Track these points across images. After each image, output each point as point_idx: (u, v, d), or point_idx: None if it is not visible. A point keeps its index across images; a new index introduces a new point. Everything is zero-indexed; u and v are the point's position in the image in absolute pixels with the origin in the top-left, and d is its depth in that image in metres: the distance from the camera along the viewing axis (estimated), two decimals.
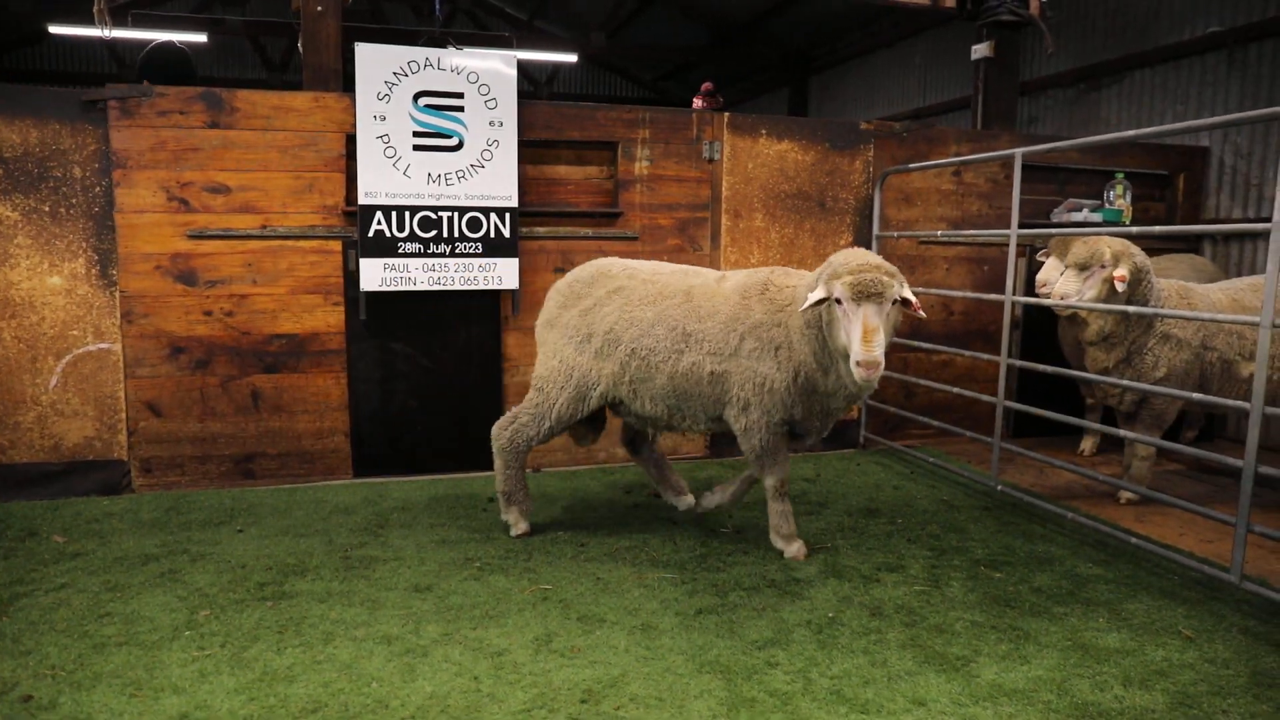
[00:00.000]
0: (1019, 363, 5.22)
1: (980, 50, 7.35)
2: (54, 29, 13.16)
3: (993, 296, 5.33)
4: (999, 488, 5.20)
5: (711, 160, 6.06)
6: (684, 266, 4.54)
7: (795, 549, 4.24)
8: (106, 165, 5.12)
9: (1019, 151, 4.95)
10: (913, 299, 3.72)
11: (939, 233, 6.06)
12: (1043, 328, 6.04)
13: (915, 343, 6.12)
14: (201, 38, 13.72)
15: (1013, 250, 5.02)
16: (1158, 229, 4.33)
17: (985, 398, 5.44)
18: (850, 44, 13.56)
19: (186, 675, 3.08)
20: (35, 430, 5.13)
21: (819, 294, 3.67)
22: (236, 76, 16.69)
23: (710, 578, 3.99)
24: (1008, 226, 5.18)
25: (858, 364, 3.54)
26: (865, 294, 3.56)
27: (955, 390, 5.79)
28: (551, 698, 2.96)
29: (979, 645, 3.36)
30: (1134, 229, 4.43)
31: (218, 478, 5.39)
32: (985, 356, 5.50)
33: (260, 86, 12.30)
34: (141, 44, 15.91)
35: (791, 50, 14.83)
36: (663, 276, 4.37)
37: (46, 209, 5.07)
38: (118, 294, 5.18)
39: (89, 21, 7.84)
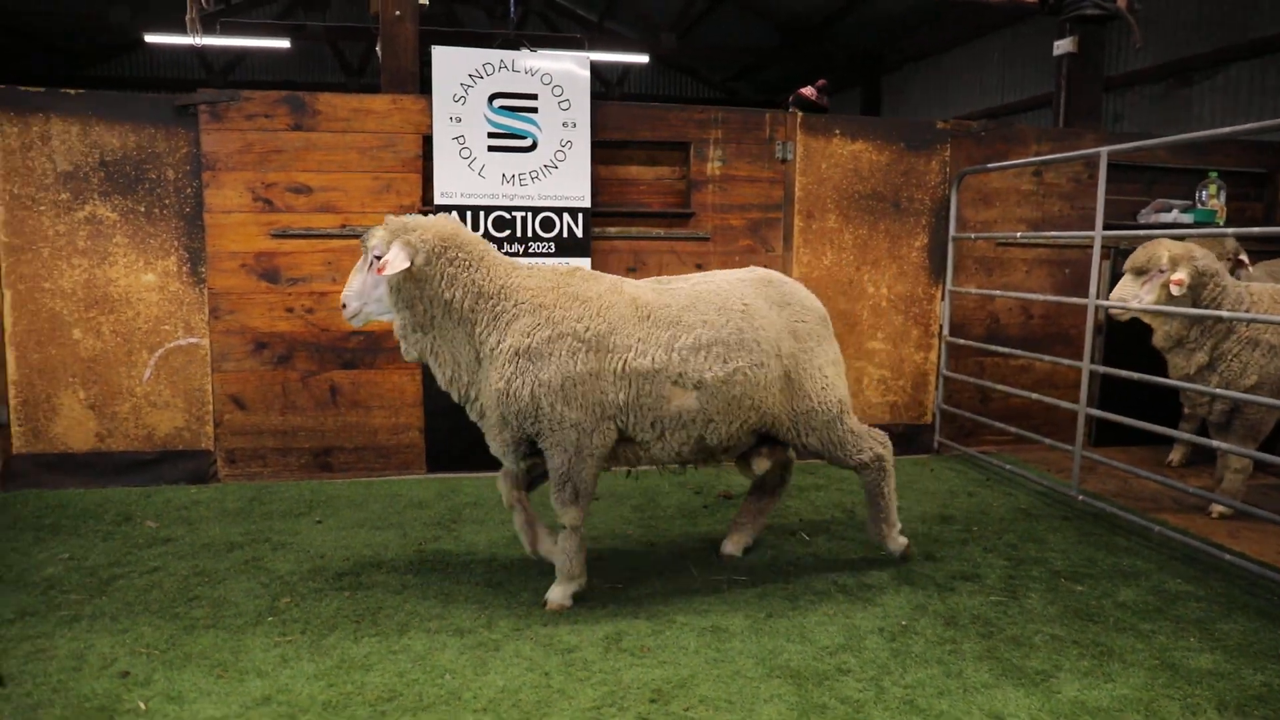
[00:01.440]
0: (1102, 368, 5.06)
1: (1063, 46, 7.15)
2: (149, 38, 13.71)
3: (1075, 300, 5.18)
4: (1080, 497, 5.05)
5: (784, 160, 6.01)
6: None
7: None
8: (197, 167, 5.31)
9: (1104, 150, 4.80)
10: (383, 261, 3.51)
11: (1018, 234, 5.91)
12: (1128, 332, 5.85)
13: (992, 346, 5.98)
14: (285, 43, 14.16)
15: (1097, 252, 4.87)
16: (1256, 230, 4.16)
17: (1066, 404, 5.29)
18: (922, 42, 13.33)
19: (269, 659, 3.18)
20: (130, 420, 5.35)
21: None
22: (317, 81, 17.17)
23: (781, 581, 3.96)
24: (1091, 228, 5.03)
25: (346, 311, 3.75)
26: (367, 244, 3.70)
27: (1034, 396, 5.65)
28: (621, 696, 2.97)
29: (1060, 660, 3.27)
30: (1229, 230, 4.25)
31: (297, 470, 5.55)
32: (1066, 362, 5.35)
33: (339, 90, 12.64)
34: (230, 50, 16.48)
35: (862, 50, 14.65)
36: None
37: (142, 209, 5.29)
38: (206, 291, 5.37)
39: (181, 30, 8.14)
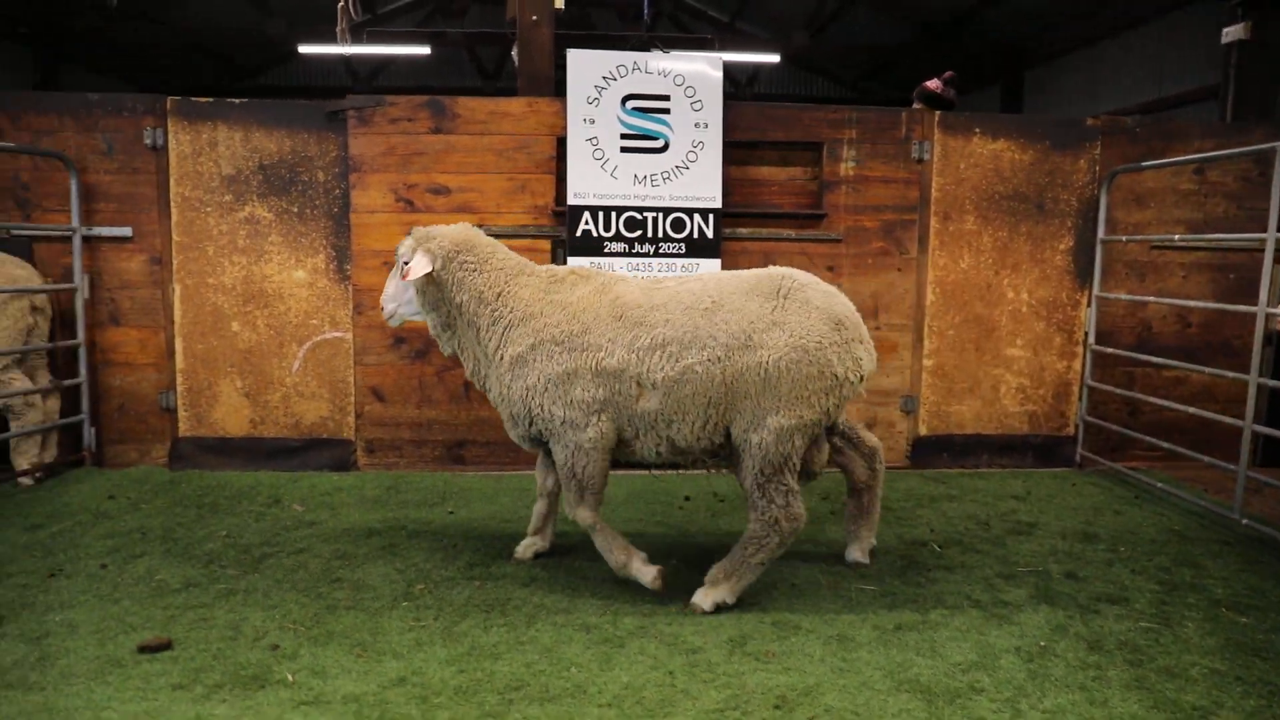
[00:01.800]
0: (1272, 382, 4.69)
1: (1233, 33, 6.66)
2: (302, 48, 14.52)
3: (1242, 308, 4.81)
4: (1243, 520, 4.70)
5: (921, 161, 5.84)
6: None
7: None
8: (344, 170, 5.58)
9: None
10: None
11: (1175, 236, 5.56)
12: None
13: (1143, 356, 5.63)
14: (425, 50, 14.71)
15: (1269, 256, 4.50)
16: None
17: (1228, 420, 4.93)
18: (1070, 34, 12.68)
19: (404, 642, 3.30)
20: (280, 409, 5.68)
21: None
22: (454, 85, 17.78)
23: (911, 593, 3.84)
24: (1263, 229, 4.66)
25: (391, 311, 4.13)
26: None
27: (1190, 410, 5.28)
28: (745, 700, 2.95)
29: (1220, 697, 3.05)
30: None
31: (431, 461, 5.76)
32: (1231, 375, 4.99)
33: (474, 94, 13.01)
34: (373, 58, 17.24)
35: (1003, 44, 14.06)
36: None
37: (295, 210, 5.60)
38: (350, 287, 5.64)
39: (332, 40, 8.57)
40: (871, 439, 4.10)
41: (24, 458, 5.23)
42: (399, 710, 2.83)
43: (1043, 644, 3.38)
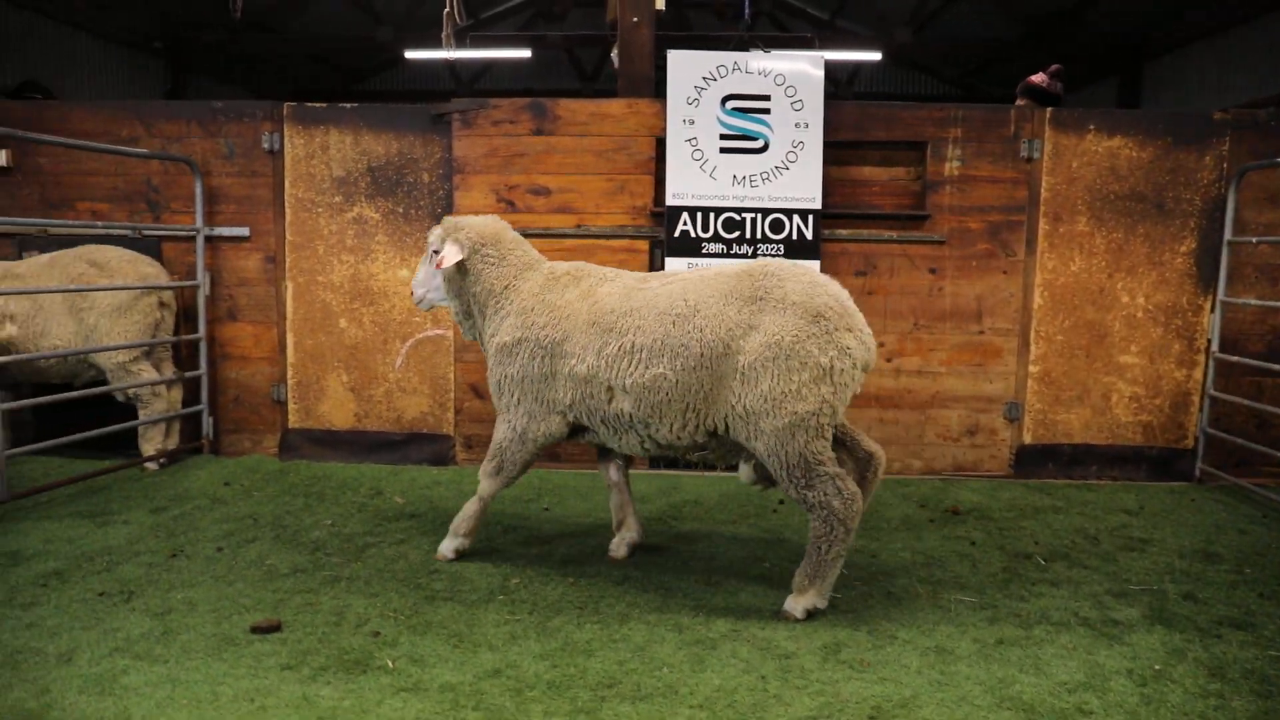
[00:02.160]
0: None
1: None
2: (409, 54, 14.97)
3: None
4: None
5: (1030, 160, 5.64)
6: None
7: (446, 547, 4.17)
8: (448, 171, 5.72)
9: None
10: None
11: None
12: None
13: (1274, 365, 5.30)
14: (526, 53, 15.00)
15: None
16: None
17: None
18: (1195, 22, 12.02)
19: (499, 635, 3.37)
20: (384, 403, 5.87)
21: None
22: (553, 87, 18.03)
23: (1013, 606, 3.72)
24: None
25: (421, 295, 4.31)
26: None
27: None
28: (839, 709, 2.90)
29: None
30: None
31: None
32: None
33: (573, 95, 13.18)
34: (476, 61, 17.63)
35: (1120, 35, 13.43)
36: None
37: (400, 211, 5.77)
38: None
39: (437, 45, 8.80)
40: (870, 445, 3.83)
41: (150, 444, 5.54)
42: (494, 701, 2.89)
43: (1158, 668, 3.22)
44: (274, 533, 4.43)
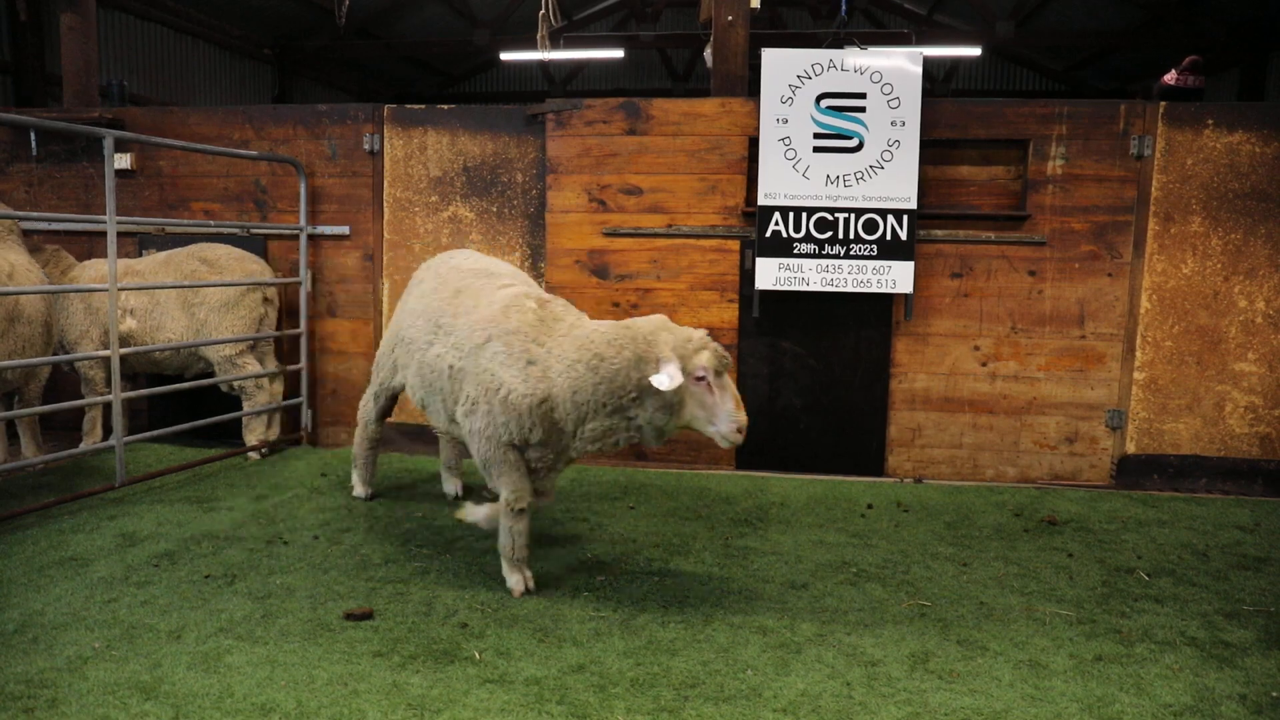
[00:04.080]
0: None
1: None
2: (504, 56, 15.26)
3: None
4: None
5: (1140, 157, 5.39)
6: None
7: (514, 581, 3.79)
8: (542, 171, 5.80)
9: None
10: None
11: None
12: None
13: None
14: (619, 54, 15.10)
15: None
16: None
17: None
18: None
19: (584, 631, 3.40)
20: None
21: (676, 377, 3.37)
22: (645, 87, 18.11)
23: (1113, 622, 3.56)
24: None
25: (739, 430, 3.45)
26: (725, 366, 3.49)
27: None
28: (927, 719, 2.83)
29: None
30: None
31: (613, 456, 5.87)
32: None
33: (664, 95, 13.19)
34: (569, 63, 17.83)
35: (1244, 22, 12.71)
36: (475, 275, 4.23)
37: (494, 210, 5.88)
38: (544, 284, 5.86)
39: (531, 47, 8.93)
40: None
41: (253, 435, 5.78)
42: (578, 697, 2.92)
43: (1275, 695, 3.04)
44: (367, 523, 4.57)
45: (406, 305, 4.45)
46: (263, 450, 5.77)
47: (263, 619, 3.41)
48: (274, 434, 5.92)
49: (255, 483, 5.22)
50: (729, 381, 3.51)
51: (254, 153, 5.83)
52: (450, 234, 5.92)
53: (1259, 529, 4.79)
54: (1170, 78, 5.80)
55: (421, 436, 6.02)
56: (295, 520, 4.58)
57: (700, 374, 3.45)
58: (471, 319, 3.88)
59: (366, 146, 5.95)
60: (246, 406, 5.74)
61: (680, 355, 3.44)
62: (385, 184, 5.97)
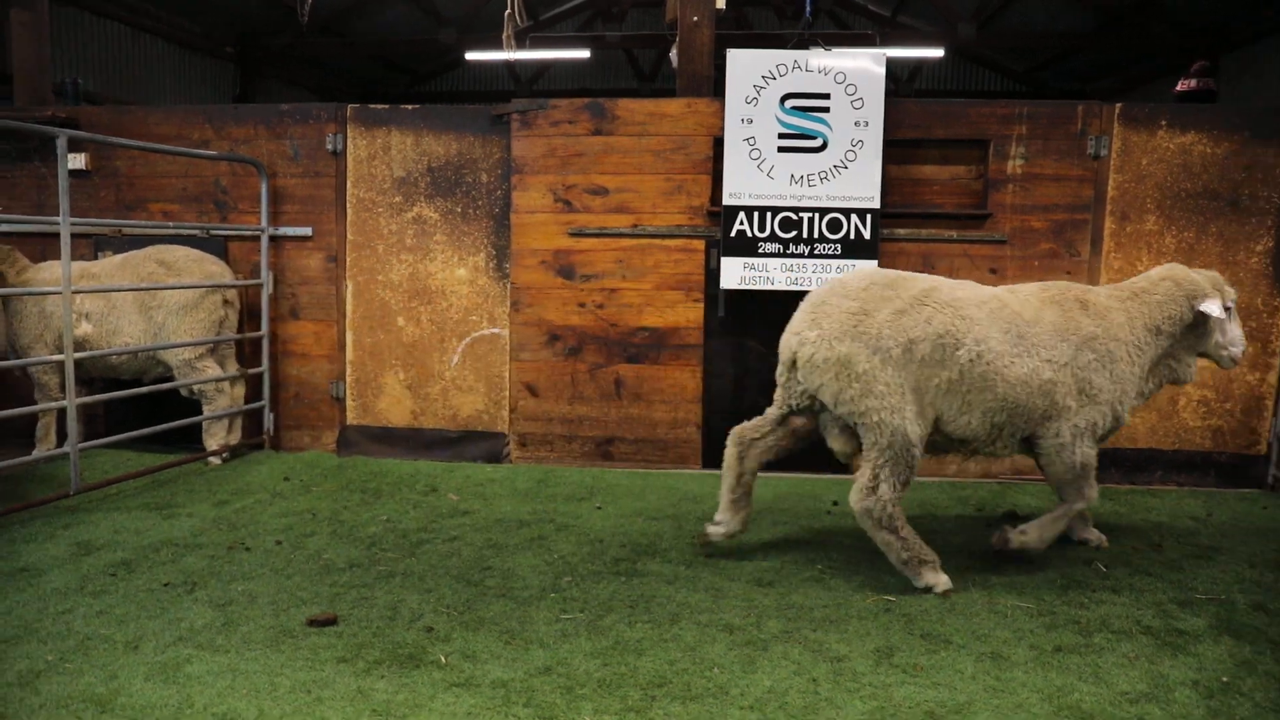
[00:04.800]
0: None
1: None
2: (470, 55, 15.17)
3: None
4: None
5: (1097, 157, 5.49)
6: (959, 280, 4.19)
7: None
8: (507, 171, 5.78)
9: None
10: None
11: None
12: None
13: None
14: (585, 54, 15.08)
15: None
16: None
17: None
18: (1276, 12, 11.58)
19: (551, 633, 3.39)
20: (440, 401, 5.96)
21: (1219, 308, 4.11)
22: (611, 87, 18.10)
23: (1072, 613, 3.62)
24: None
25: (1243, 354, 4.32)
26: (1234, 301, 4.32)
27: None
28: (892, 713, 2.86)
29: None
30: None
31: (581, 456, 5.89)
32: None
33: (631, 95, 13.18)
34: (535, 62, 17.78)
35: (1197, 27, 12.98)
36: (959, 282, 4.08)
37: (459, 210, 5.85)
38: (508, 285, 5.84)
39: (497, 47, 8.89)
40: None
41: (213, 439, 5.70)
42: (545, 698, 2.91)
43: (1225, 680, 3.11)
44: (331, 528, 4.53)
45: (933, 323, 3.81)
46: (224, 455, 5.69)
47: (224, 627, 3.37)
48: (235, 438, 5.84)
49: (216, 488, 5.15)
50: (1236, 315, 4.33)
51: (214, 153, 5.76)
52: (414, 235, 5.89)
53: (1210, 519, 4.90)
54: (1182, 86, 5.96)
55: (386, 439, 5.98)
56: (257, 525, 4.52)
57: (1228, 305, 4.23)
58: (1043, 328, 3.98)
59: (329, 146, 5.89)
60: (207, 411, 5.66)
61: (1217, 289, 4.21)
62: (348, 184, 5.92)
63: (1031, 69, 17.01)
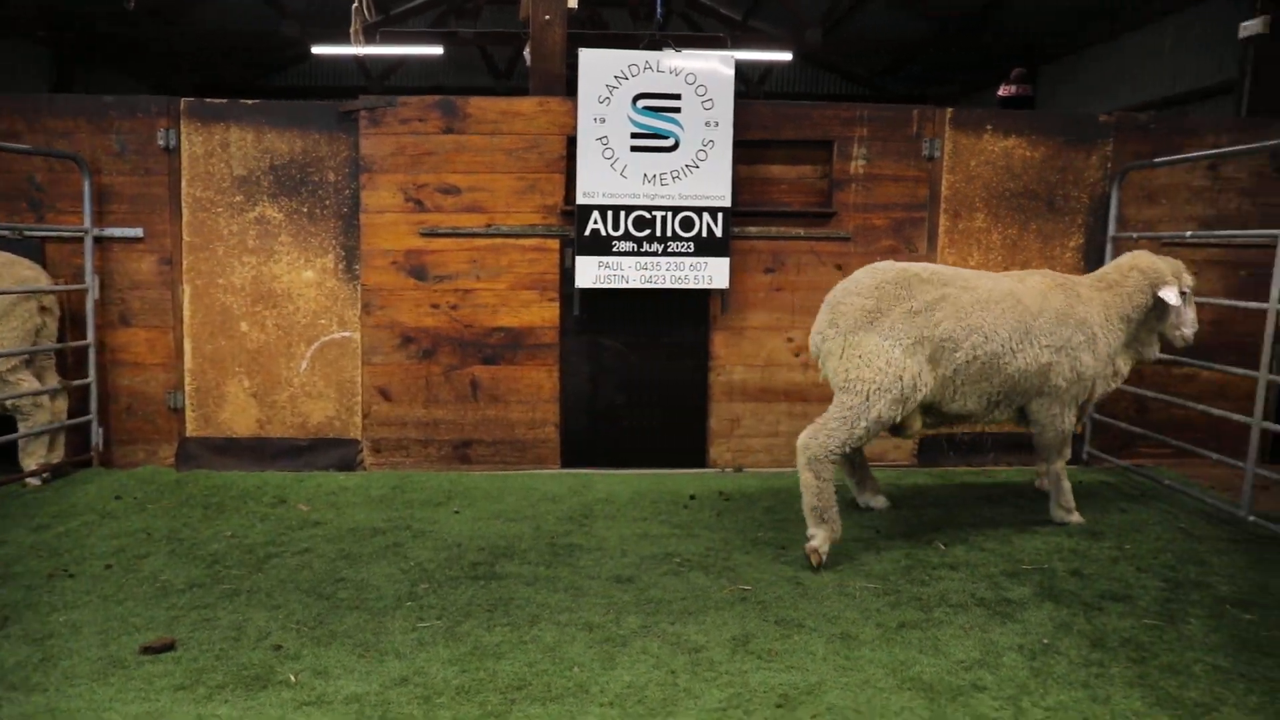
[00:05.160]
0: None
1: (1251, 27, 6.58)
2: (316, 49, 14.61)
3: (1253, 305, 4.77)
4: (1250, 518, 4.65)
5: (931, 158, 5.80)
6: (974, 271, 4.65)
7: (1076, 518, 4.74)
8: (355, 170, 5.60)
9: None
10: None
11: (1187, 233, 5.50)
12: None
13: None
14: (438, 50, 14.77)
15: None
16: None
17: (1237, 417, 4.88)
18: (1087, 30, 12.59)
19: (407, 642, 3.31)
20: (288, 409, 5.71)
21: (1176, 294, 4.56)
22: (466, 85, 17.83)
23: (914, 591, 3.83)
24: (1276, 225, 4.62)
25: (1193, 334, 4.72)
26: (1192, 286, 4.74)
27: (1199, 407, 5.24)
28: (747, 699, 2.94)
29: (1223, 693, 3.02)
30: None
31: (437, 460, 5.77)
32: (1240, 371, 4.95)
33: (487, 93, 13.02)
34: (387, 58, 17.31)
35: (1021, 39, 13.96)
36: (975, 279, 4.50)
37: (305, 210, 5.63)
38: (359, 287, 5.66)
39: (346, 41, 8.60)
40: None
41: (32, 458, 5.27)
42: (401, 710, 2.84)
43: (1046, 641, 3.36)
44: (169, 547, 4.27)
45: (940, 326, 4.29)
46: (44, 475, 5.27)
47: (41, 663, 3.12)
48: (58, 456, 5.42)
49: (34, 512, 4.75)
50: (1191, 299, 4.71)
51: (27, 146, 5.32)
52: (257, 236, 5.62)
53: (1037, 495, 5.26)
54: (1002, 90, 6.31)
55: (231, 450, 5.69)
56: (83, 550, 4.21)
57: (1184, 290, 4.62)
58: (1048, 317, 4.49)
59: (161, 142, 5.55)
60: (23, 428, 5.23)
61: (1176, 276, 4.62)
62: (184, 183, 5.59)
63: (874, 74, 17.84)
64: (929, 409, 4.44)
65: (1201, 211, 5.94)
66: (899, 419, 4.25)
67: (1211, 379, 6.00)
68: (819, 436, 4.14)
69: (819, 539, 4.06)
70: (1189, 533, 4.62)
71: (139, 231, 5.58)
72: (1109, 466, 5.86)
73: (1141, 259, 4.70)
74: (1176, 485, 5.33)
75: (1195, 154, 5.35)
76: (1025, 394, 4.53)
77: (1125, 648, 3.33)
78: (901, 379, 4.16)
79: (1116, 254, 5.82)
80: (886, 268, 4.46)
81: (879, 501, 4.98)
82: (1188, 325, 4.71)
